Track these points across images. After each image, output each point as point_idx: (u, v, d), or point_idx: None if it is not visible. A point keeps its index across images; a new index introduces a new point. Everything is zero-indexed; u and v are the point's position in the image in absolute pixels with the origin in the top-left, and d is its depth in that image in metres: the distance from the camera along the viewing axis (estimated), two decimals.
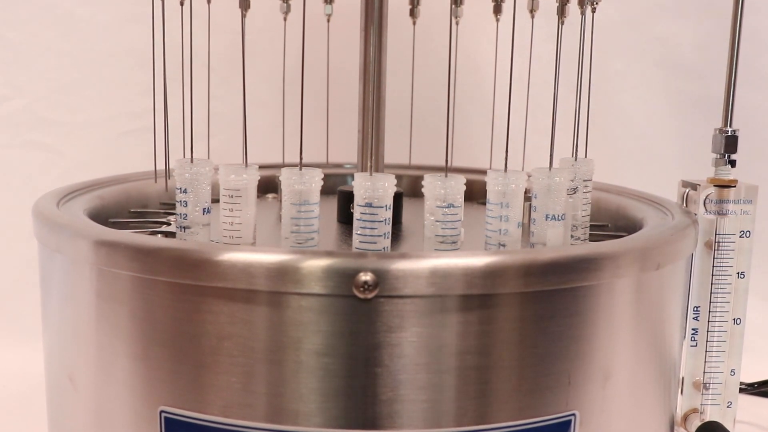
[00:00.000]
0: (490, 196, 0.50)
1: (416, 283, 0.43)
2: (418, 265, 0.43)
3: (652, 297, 0.50)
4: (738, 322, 0.59)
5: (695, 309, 0.59)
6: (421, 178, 0.50)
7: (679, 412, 0.60)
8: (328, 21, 0.73)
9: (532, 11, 0.64)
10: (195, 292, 0.44)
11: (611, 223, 0.64)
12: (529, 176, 0.52)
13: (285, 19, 0.71)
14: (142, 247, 0.45)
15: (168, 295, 0.45)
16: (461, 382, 0.44)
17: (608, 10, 0.65)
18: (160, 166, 0.58)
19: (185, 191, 0.52)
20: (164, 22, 0.55)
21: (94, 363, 0.48)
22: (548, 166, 0.52)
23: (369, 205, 0.48)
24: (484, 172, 0.51)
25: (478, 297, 0.43)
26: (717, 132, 0.59)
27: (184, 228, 0.52)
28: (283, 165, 0.64)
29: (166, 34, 0.55)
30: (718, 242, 0.58)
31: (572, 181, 0.55)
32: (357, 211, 0.49)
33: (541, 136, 0.56)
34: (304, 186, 0.50)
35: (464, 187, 0.50)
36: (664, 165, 0.92)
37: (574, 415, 0.46)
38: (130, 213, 0.63)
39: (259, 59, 0.78)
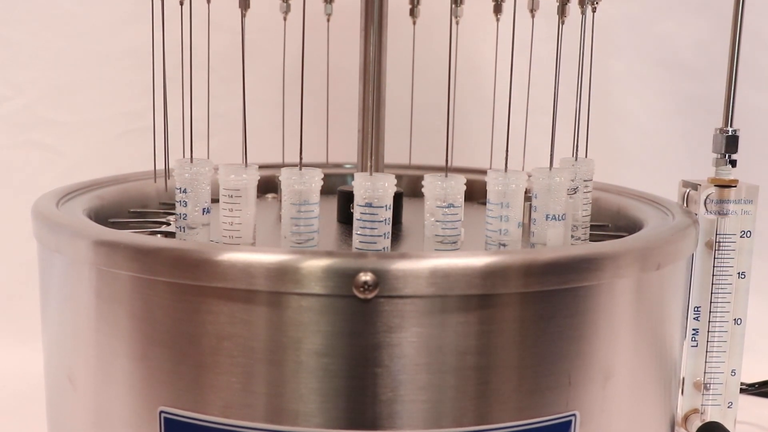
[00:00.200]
0: (491, 196, 0.50)
1: (416, 283, 0.42)
2: (418, 265, 0.43)
3: (652, 297, 0.50)
4: (739, 322, 0.59)
5: (696, 309, 0.59)
6: (421, 178, 0.50)
7: (680, 413, 0.60)
8: (328, 21, 0.73)
9: (532, 11, 0.64)
10: (195, 292, 0.44)
11: (611, 223, 0.64)
12: (529, 176, 0.51)
13: (285, 19, 0.71)
14: (142, 247, 0.45)
15: (168, 296, 0.45)
16: (461, 382, 0.44)
17: (609, 9, 0.65)
18: (160, 166, 0.58)
19: (185, 191, 0.52)
20: (164, 22, 0.54)
21: (93, 363, 0.48)
22: (548, 166, 0.52)
23: (369, 205, 0.48)
24: (484, 172, 0.51)
25: (478, 297, 0.43)
26: (718, 132, 0.59)
27: (184, 228, 0.52)
28: (283, 165, 0.64)
29: (166, 34, 0.55)
30: (719, 242, 0.58)
31: (572, 181, 0.55)
32: (357, 211, 0.49)
33: (542, 136, 0.56)
34: (304, 186, 0.49)
35: (464, 187, 0.50)
36: (664, 165, 0.92)
37: (574, 415, 0.46)
38: (130, 213, 0.63)
39: (259, 59, 0.78)
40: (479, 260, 0.43)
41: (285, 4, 0.71)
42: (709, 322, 0.59)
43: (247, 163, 0.51)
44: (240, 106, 0.50)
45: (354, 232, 0.49)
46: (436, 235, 0.49)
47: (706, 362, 0.59)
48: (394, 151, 0.72)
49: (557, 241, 0.51)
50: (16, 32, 0.85)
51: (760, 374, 0.77)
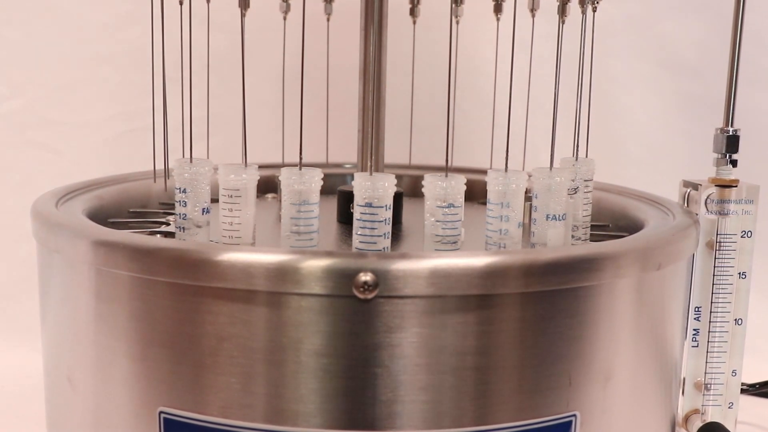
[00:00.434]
0: (491, 196, 0.50)
1: (416, 284, 0.42)
2: (418, 265, 0.43)
3: (653, 297, 0.50)
4: (739, 322, 0.59)
5: (696, 309, 0.59)
6: (421, 178, 0.50)
7: (681, 413, 0.60)
8: (328, 20, 0.73)
9: (532, 11, 0.64)
10: (194, 292, 0.44)
11: (612, 223, 0.64)
12: (529, 176, 0.51)
13: (285, 19, 0.71)
14: (141, 248, 0.45)
15: (167, 296, 0.45)
16: (461, 382, 0.44)
17: (609, 9, 0.65)
18: (160, 165, 0.58)
19: (184, 191, 0.51)
20: (163, 22, 0.54)
21: (92, 363, 0.48)
22: (549, 165, 0.52)
23: (369, 205, 0.48)
24: (484, 172, 0.51)
25: (478, 297, 0.43)
26: (718, 132, 0.59)
27: (184, 228, 0.52)
28: (283, 165, 0.64)
29: (166, 34, 0.55)
30: (720, 242, 0.58)
31: (573, 180, 0.55)
32: (357, 211, 0.49)
33: (542, 135, 0.55)
34: (303, 186, 0.49)
35: (464, 187, 0.49)
36: (665, 165, 0.91)
37: (574, 415, 0.46)
38: (129, 213, 0.63)
39: (259, 59, 0.78)
40: (479, 260, 0.43)
41: (285, 4, 0.71)
42: (709, 322, 0.59)
43: (247, 163, 0.51)
44: (240, 105, 0.50)
45: (354, 232, 0.49)
46: (436, 235, 0.49)
47: (706, 362, 0.59)
48: (394, 151, 0.72)
49: (558, 241, 0.51)
50: (16, 32, 0.85)
51: (760, 374, 0.77)
